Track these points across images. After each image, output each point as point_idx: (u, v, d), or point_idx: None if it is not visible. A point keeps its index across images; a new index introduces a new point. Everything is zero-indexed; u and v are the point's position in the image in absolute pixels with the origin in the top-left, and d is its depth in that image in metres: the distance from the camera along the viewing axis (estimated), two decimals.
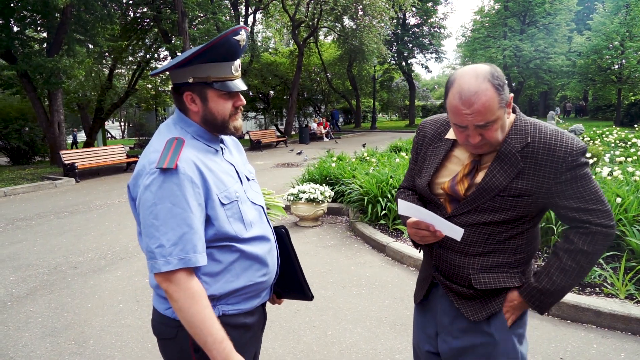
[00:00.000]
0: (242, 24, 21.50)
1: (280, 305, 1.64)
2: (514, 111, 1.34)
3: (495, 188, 1.26)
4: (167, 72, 1.31)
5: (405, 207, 1.31)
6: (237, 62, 1.32)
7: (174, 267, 1.17)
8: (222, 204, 1.27)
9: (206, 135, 1.34)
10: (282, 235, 1.52)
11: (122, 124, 39.97)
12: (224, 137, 1.44)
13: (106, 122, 23.12)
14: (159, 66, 20.84)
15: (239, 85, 1.32)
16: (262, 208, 1.46)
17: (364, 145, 12.38)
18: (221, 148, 1.39)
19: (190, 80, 1.26)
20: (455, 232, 1.24)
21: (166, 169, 1.18)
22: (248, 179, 1.46)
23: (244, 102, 1.38)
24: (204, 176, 1.24)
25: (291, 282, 1.54)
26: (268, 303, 1.55)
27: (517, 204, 1.26)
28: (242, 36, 1.29)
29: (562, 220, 1.34)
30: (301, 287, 1.54)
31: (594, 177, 1.27)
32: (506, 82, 1.22)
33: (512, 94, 1.25)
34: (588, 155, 6.95)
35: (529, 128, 1.28)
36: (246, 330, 1.37)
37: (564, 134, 1.25)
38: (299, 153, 14.71)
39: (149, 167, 1.21)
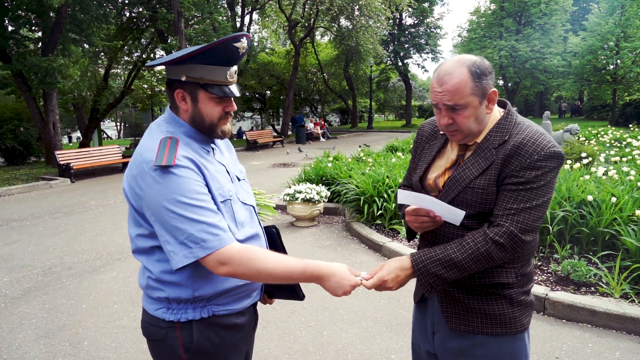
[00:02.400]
0: (238, 24, 21.49)
1: (276, 305, 1.63)
2: (504, 107, 1.35)
3: (466, 178, 1.27)
4: (164, 67, 1.32)
5: (405, 196, 1.31)
6: (234, 68, 1.31)
7: (220, 244, 1.16)
8: (219, 202, 1.27)
9: (197, 136, 1.33)
10: (272, 235, 1.52)
11: (118, 124, 39.86)
12: None
13: (102, 122, 22.99)
14: None
15: (233, 90, 1.31)
16: (253, 208, 1.45)
17: (365, 146, 12.34)
18: (212, 148, 1.39)
19: (183, 79, 1.26)
20: (456, 215, 1.24)
21: (165, 166, 1.17)
22: (239, 179, 1.45)
23: (235, 108, 1.36)
24: (203, 172, 1.24)
25: None
26: (260, 303, 1.54)
27: (486, 197, 1.25)
28: (242, 44, 1.28)
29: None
30: (292, 287, 1.54)
31: (548, 197, 1.23)
32: (491, 75, 1.23)
33: (494, 89, 1.26)
34: (584, 154, 6.98)
35: (511, 127, 1.28)
36: (237, 331, 1.36)
37: (544, 136, 1.23)
38: (301, 150, 15.14)
39: (147, 167, 1.19)
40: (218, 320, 1.30)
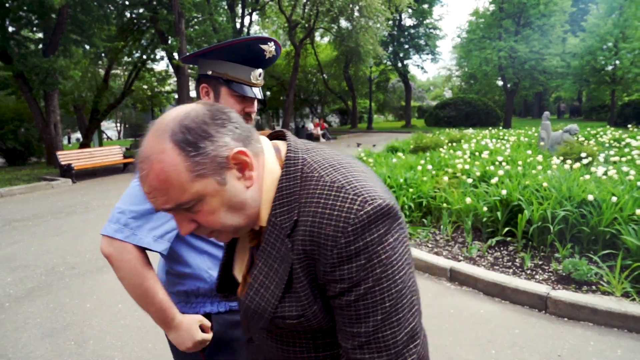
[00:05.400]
0: (238, 25, 21.50)
1: None
2: (284, 139, 0.86)
3: (267, 307, 0.78)
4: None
5: None
6: (258, 70, 1.33)
7: (123, 237, 1.16)
8: None
9: None
10: None
11: (118, 124, 39.85)
12: None
13: (102, 123, 23.01)
14: (155, 67, 20.90)
15: (254, 92, 1.33)
16: None
17: (372, 146, 12.35)
18: None
19: (209, 73, 1.30)
20: None
21: None
22: None
23: (255, 110, 1.38)
24: None
25: None
26: None
27: (308, 322, 0.77)
28: (269, 47, 1.29)
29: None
30: None
31: (403, 280, 0.72)
32: (222, 126, 0.72)
33: (238, 148, 0.73)
34: (583, 154, 6.99)
35: (298, 190, 0.76)
36: (239, 327, 1.39)
37: (339, 197, 0.71)
38: None
39: None
40: (223, 316, 1.33)
